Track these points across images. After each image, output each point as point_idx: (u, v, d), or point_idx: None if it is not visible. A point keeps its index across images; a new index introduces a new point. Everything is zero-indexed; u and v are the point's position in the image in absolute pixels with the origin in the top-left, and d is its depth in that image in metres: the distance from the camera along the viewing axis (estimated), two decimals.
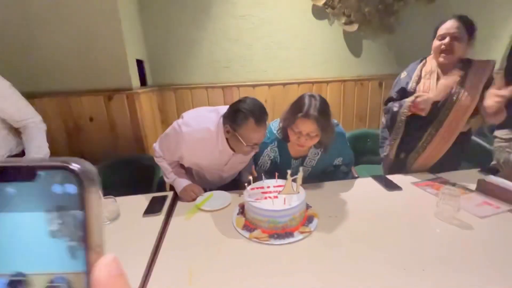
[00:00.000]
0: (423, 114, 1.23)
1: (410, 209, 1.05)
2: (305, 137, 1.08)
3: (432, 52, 1.28)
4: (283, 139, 1.23)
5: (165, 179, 1.26)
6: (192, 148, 1.11)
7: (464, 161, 1.50)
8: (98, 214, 0.18)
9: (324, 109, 1.06)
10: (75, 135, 1.81)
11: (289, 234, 0.88)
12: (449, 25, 1.20)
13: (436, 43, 1.24)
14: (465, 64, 1.23)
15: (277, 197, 0.96)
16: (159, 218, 1.04)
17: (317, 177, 1.31)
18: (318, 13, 2.33)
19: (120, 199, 1.17)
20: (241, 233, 0.92)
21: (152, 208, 1.10)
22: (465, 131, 1.32)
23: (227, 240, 0.91)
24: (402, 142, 1.41)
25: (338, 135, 1.21)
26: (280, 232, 0.89)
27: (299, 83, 2.45)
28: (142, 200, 1.17)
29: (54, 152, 1.79)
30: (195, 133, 1.09)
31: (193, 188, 1.20)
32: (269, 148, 1.26)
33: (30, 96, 1.38)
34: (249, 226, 0.93)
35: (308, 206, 1.04)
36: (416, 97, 1.24)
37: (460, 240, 0.86)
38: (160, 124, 2.31)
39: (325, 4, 2.26)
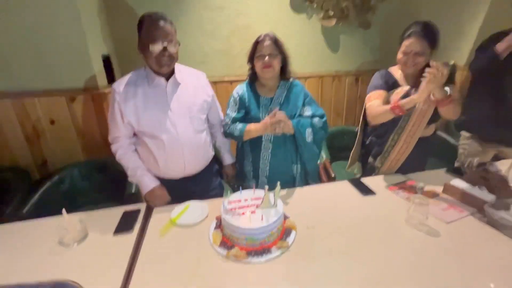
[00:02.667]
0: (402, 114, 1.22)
1: (383, 216, 1.08)
2: (269, 58, 1.24)
3: (397, 61, 1.31)
4: (251, 80, 1.38)
5: (129, 179, 1.25)
6: (127, 96, 1.12)
7: (432, 157, 1.59)
8: None
9: (276, 36, 1.28)
10: (35, 140, 1.65)
11: (267, 251, 0.88)
12: (410, 43, 1.21)
13: (399, 55, 1.27)
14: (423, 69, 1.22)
15: (254, 212, 0.94)
16: (131, 236, 0.99)
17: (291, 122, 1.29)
18: (297, 6, 2.27)
19: (88, 215, 1.10)
20: (218, 251, 0.90)
21: (124, 225, 1.04)
22: (428, 135, 1.39)
23: (204, 259, 0.88)
24: (369, 148, 1.51)
25: (294, 85, 1.38)
26: (258, 249, 0.88)
27: None
28: (112, 215, 1.11)
29: (13, 159, 1.64)
30: (123, 80, 1.16)
31: (160, 193, 1.22)
32: (238, 87, 1.40)
33: None
34: (226, 243, 0.92)
35: (285, 217, 1.04)
36: (398, 95, 1.26)
37: (428, 247, 0.90)
38: None
39: None
